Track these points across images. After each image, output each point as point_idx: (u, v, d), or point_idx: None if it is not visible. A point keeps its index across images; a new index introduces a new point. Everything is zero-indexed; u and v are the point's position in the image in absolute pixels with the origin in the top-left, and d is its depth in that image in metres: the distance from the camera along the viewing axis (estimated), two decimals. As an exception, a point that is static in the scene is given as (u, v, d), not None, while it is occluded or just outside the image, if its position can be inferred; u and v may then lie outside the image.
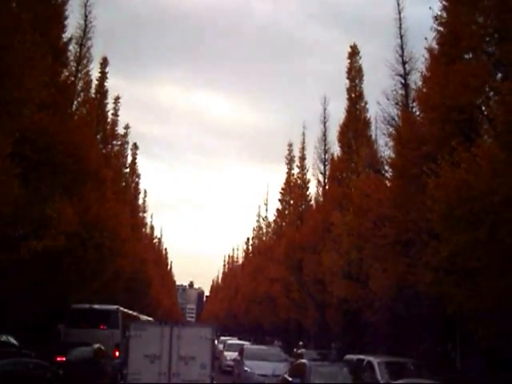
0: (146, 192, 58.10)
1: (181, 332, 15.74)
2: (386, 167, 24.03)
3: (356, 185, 27.24)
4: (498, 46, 16.46)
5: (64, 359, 17.42)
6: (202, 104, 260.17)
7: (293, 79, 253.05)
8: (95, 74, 31.93)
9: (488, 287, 14.24)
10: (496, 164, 13.28)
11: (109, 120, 36.21)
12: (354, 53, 33.08)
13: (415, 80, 23.00)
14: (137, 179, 50.80)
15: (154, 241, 75.93)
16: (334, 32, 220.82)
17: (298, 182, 43.96)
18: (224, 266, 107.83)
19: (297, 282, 37.39)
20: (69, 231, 18.43)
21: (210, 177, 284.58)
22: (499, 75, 16.65)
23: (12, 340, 21.10)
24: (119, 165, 40.75)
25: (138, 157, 49.39)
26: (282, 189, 47.11)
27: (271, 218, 55.32)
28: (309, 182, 42.21)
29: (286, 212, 47.05)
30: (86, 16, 27.93)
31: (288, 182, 46.55)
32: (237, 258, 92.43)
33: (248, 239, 75.70)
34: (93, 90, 31.06)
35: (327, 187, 36.36)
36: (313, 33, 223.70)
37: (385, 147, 24.30)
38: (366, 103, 32.52)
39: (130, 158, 46.85)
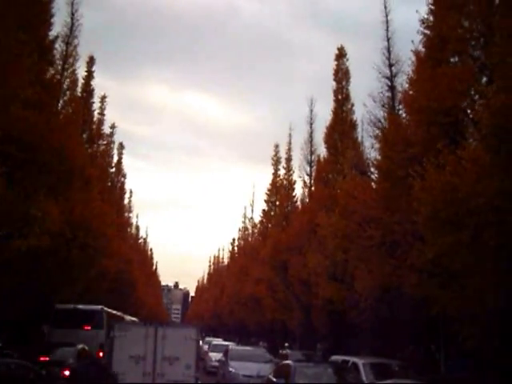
0: (131, 192, 58.02)
1: (165, 332, 15.72)
2: (372, 169, 24.13)
3: (342, 186, 27.30)
4: (483, 50, 16.61)
5: (47, 359, 17.34)
6: (190, 104, 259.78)
7: (280, 80, 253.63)
8: (82, 72, 31.83)
9: (471, 289, 14.35)
10: (481, 167, 13.40)
11: (95, 119, 36.06)
12: (341, 55, 33.16)
13: (402, 82, 23.14)
14: (122, 179, 50.74)
15: (140, 241, 75.75)
16: (322, 33, 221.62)
17: (284, 183, 44.06)
18: (209, 266, 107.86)
19: (282, 282, 37.40)
20: (53, 231, 18.29)
21: (196, 177, 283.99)
22: (484, 79, 16.79)
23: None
24: (105, 164, 40.55)
25: (124, 156, 49.33)
26: (268, 190, 47.14)
27: (257, 218, 55.41)
28: (295, 183, 42.35)
29: (272, 213, 47.06)
30: (72, 14, 27.79)
31: (274, 182, 46.58)
32: (222, 258, 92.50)
33: (234, 240, 75.76)
34: (79, 89, 30.95)
35: (313, 188, 36.43)
36: (300, 34, 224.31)
37: (371, 149, 24.44)
38: (352, 105, 32.63)
39: (115, 158, 46.74)
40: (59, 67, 25.45)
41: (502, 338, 14.49)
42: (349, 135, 31.78)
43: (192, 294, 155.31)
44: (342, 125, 32.19)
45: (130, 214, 59.87)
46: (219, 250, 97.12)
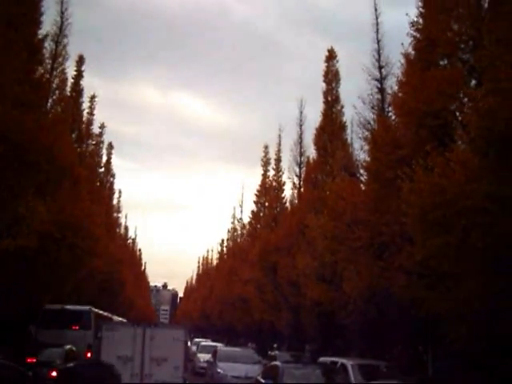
0: (120, 192, 57.83)
1: (153, 333, 15.71)
2: (361, 171, 24.24)
3: (331, 188, 27.37)
4: (472, 54, 16.70)
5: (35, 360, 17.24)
6: (179, 104, 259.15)
7: (270, 81, 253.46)
8: (71, 72, 31.72)
9: (459, 290, 14.43)
10: (469, 169, 13.48)
11: (84, 119, 36.01)
12: (331, 56, 33.25)
13: (391, 85, 23.22)
14: (111, 179, 50.57)
15: (128, 241, 75.49)
16: (312, 35, 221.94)
17: (274, 184, 44.08)
18: (198, 267, 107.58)
19: (271, 284, 37.43)
20: (42, 231, 18.21)
21: (185, 177, 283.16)
22: (473, 82, 16.89)
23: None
24: (94, 164, 40.46)
25: (113, 156, 49.18)
26: (257, 191, 47.13)
27: (246, 219, 55.40)
28: (284, 184, 42.43)
29: (261, 214, 47.07)
30: (62, 13, 27.71)
31: (263, 183, 46.60)
32: (211, 259, 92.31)
33: (223, 241, 75.66)
34: (68, 89, 30.85)
35: (302, 190, 36.48)
36: (290, 35, 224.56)
37: (360, 151, 24.55)
38: (342, 107, 32.70)
39: (104, 158, 46.60)
40: (48, 66, 25.33)
41: (489, 338, 14.58)
42: (338, 137, 31.86)
43: (181, 294, 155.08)
44: (331, 126, 32.28)
45: (119, 215, 59.81)
46: (208, 251, 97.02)
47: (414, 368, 20.30)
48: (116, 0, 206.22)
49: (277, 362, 17.74)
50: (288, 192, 41.58)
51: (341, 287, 23.83)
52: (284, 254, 34.35)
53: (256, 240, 43.84)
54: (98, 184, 42.91)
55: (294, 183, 38.61)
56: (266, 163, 46.74)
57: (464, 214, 13.31)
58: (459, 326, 14.69)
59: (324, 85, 33.07)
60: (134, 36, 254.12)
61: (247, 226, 54.69)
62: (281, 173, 42.88)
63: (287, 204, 41.70)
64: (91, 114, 37.90)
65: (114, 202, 54.84)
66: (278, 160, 43.33)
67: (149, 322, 20.90)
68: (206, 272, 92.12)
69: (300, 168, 37.46)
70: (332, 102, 32.75)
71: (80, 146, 33.75)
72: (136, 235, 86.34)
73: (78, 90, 33.61)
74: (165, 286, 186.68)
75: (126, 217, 70.80)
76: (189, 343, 28.37)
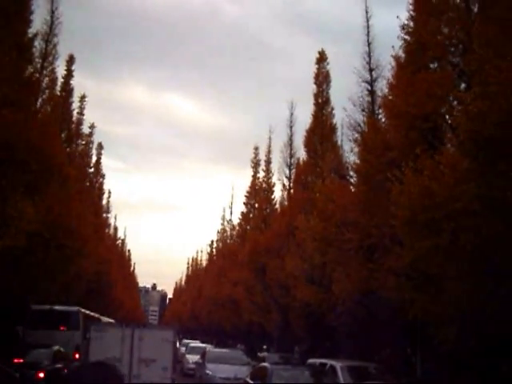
0: (110, 192, 57.65)
1: (142, 334, 15.64)
2: (351, 173, 24.26)
3: (321, 189, 27.41)
4: (462, 57, 16.80)
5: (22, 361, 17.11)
6: (169, 105, 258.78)
7: (261, 82, 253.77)
8: (61, 71, 31.55)
9: (448, 292, 14.50)
10: (458, 172, 13.55)
11: (74, 119, 35.80)
12: (322, 58, 33.33)
13: (381, 87, 23.32)
14: (101, 179, 50.31)
15: (118, 242, 75.11)
16: (303, 37, 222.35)
17: (263, 185, 44.08)
18: (188, 268, 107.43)
19: (260, 285, 37.44)
20: (30, 231, 18.08)
21: (175, 178, 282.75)
22: (463, 85, 16.98)
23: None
24: (83, 164, 40.29)
25: (103, 157, 48.89)
26: (247, 192, 47.13)
27: (236, 221, 55.37)
28: (274, 185, 42.45)
29: (251, 215, 47.06)
30: (52, 12, 27.52)
31: (253, 185, 46.58)
32: (201, 260, 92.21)
33: (212, 242, 75.64)
34: (58, 88, 30.67)
35: (292, 191, 36.55)
36: (281, 37, 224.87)
37: (350, 153, 24.58)
38: (332, 109, 32.81)
39: (94, 158, 46.39)
40: (38, 65, 25.12)
41: (477, 339, 14.66)
42: (328, 139, 31.94)
43: (170, 295, 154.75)
44: (321, 128, 32.35)
45: (108, 215, 59.50)
46: (198, 252, 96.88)
47: (402, 369, 20.36)
48: (108, 0, 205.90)
49: (265, 364, 17.72)
50: (278, 193, 41.67)
51: (330, 289, 23.87)
52: (273, 256, 34.36)
53: (245, 241, 43.84)
54: (88, 184, 42.73)
55: (283, 185, 38.72)
56: (256, 164, 46.75)
57: (453, 216, 13.38)
58: (447, 328, 14.77)
59: (314, 87, 33.18)
60: (125, 37, 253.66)
61: (237, 228, 54.69)
62: (271, 174, 42.96)
63: (277, 205, 41.75)
64: (81, 113, 37.76)
65: (104, 202, 54.69)
66: (268, 161, 43.41)
67: (138, 323, 20.80)
68: (196, 273, 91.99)
69: (290, 169, 37.55)
70: (322, 103, 32.83)
71: (69, 146, 33.56)
72: (125, 236, 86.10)
73: (67, 89, 33.43)
74: (154, 286, 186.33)
75: (115, 217, 70.66)
76: (178, 344, 28.29)
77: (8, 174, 17.78)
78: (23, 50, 19.81)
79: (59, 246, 22.84)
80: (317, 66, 33.27)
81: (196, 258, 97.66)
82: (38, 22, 24.07)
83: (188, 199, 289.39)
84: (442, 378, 18.00)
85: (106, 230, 58.28)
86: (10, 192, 17.50)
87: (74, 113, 35.80)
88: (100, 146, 48.34)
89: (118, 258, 65.22)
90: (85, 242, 28.40)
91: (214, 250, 73.79)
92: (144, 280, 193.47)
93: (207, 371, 22.53)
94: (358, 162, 22.56)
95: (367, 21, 25.26)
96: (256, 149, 47.45)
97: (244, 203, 47.62)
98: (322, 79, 33.16)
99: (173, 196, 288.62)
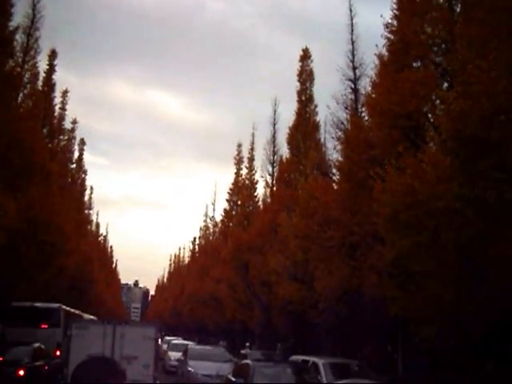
0: (92, 188, 57.27)
1: (124, 331, 15.55)
2: (334, 170, 24.35)
3: (304, 187, 27.45)
4: (444, 56, 16.91)
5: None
6: (153, 102, 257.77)
7: (244, 79, 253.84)
8: (43, 66, 31.25)
9: (429, 290, 14.60)
10: (440, 170, 13.64)
11: (56, 114, 35.52)
12: (305, 56, 33.34)
13: (365, 85, 23.37)
14: (83, 175, 50.13)
15: (100, 238, 74.74)
16: (286, 34, 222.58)
17: (246, 182, 43.99)
18: (170, 265, 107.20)
19: (243, 282, 37.41)
20: (11, 227, 17.90)
21: (158, 175, 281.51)
22: (445, 84, 17.09)
23: None
24: (65, 160, 40.02)
25: (85, 153, 48.68)
26: (230, 189, 47.00)
27: (218, 218, 55.28)
28: (257, 183, 42.37)
29: (234, 212, 46.96)
30: (34, 5, 27.24)
31: (236, 182, 46.48)
32: (183, 257, 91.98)
33: (195, 239, 75.47)
34: (40, 83, 30.38)
35: (275, 189, 36.53)
36: (265, 34, 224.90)
37: (333, 150, 24.65)
38: (315, 106, 32.84)
39: (76, 154, 46.13)
40: (19, 60, 24.89)
41: (458, 337, 14.78)
42: (312, 136, 31.98)
43: (152, 292, 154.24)
44: (305, 126, 32.38)
45: (90, 211, 59.17)
46: (180, 249, 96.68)
47: (384, 366, 20.48)
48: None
49: (247, 361, 17.69)
50: (261, 190, 41.62)
51: (312, 286, 23.92)
52: (256, 253, 34.34)
53: (228, 238, 43.75)
54: (70, 180, 42.49)
55: (266, 182, 38.72)
56: (239, 161, 46.67)
57: (435, 214, 13.48)
58: (428, 326, 14.86)
59: (298, 84, 33.20)
60: (108, 32, 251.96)
61: (219, 225, 54.62)
62: (254, 171, 42.86)
63: (260, 203, 41.70)
64: (63, 109, 37.55)
65: (86, 198, 54.38)
66: (251, 158, 43.31)
67: (119, 320, 20.66)
68: (178, 270, 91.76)
69: (273, 167, 37.55)
70: (306, 101, 32.86)
71: (51, 142, 33.28)
72: (107, 232, 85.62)
73: (49, 84, 33.16)
74: (136, 283, 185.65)
75: (97, 214, 70.29)
76: (160, 341, 28.19)
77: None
78: (4, 44, 19.59)
79: (40, 242, 22.67)
80: (300, 64, 33.29)
81: (178, 255, 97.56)
82: (19, 15, 23.83)
83: (171, 196, 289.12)
84: (423, 375, 18.14)
85: (88, 227, 58.01)
86: (-9, 188, 17.33)
87: (56, 108, 35.60)
88: (82, 142, 48.11)
89: (99, 254, 64.89)
90: (67, 239, 28.21)
91: (196, 247, 73.66)
92: (126, 277, 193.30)
93: (189, 368, 22.48)
94: (340, 159, 22.66)
95: (351, 19, 25.33)
96: (239, 146, 47.47)
97: (227, 200, 47.53)
98: (306, 77, 33.19)
99: (156, 193, 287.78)
